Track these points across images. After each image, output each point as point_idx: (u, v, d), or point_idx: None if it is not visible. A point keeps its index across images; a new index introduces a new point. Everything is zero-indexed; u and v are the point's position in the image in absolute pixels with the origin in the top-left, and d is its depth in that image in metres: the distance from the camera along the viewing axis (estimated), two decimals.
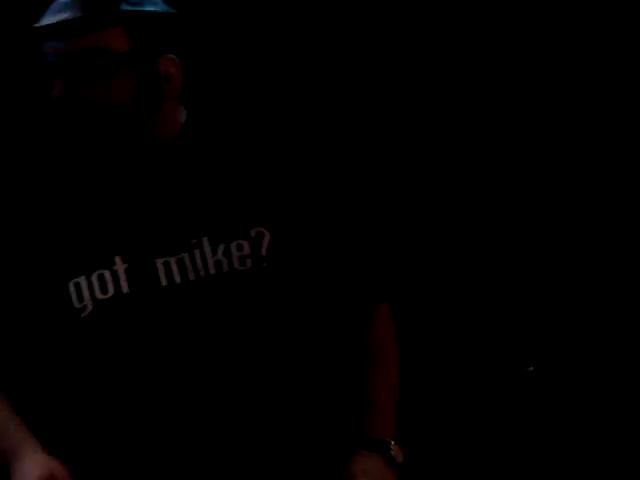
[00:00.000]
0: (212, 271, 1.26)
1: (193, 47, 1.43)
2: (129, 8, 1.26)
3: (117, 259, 1.27)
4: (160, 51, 1.29)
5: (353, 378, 1.38)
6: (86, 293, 1.26)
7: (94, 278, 1.27)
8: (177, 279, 1.27)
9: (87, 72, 1.25)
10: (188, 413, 1.25)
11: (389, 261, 1.56)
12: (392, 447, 1.33)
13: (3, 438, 1.27)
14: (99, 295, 1.26)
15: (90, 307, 1.27)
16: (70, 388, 1.31)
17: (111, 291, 1.27)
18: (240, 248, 1.27)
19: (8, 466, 1.23)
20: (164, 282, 1.27)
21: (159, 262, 1.27)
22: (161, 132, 1.31)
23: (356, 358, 1.38)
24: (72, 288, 1.27)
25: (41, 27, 1.26)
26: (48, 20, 1.25)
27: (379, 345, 1.40)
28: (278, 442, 1.28)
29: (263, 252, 1.28)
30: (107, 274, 1.27)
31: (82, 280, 1.27)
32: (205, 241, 1.27)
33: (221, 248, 1.27)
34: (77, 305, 1.27)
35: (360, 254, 1.39)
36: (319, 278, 1.34)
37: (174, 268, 1.27)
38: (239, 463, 1.26)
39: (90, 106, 1.25)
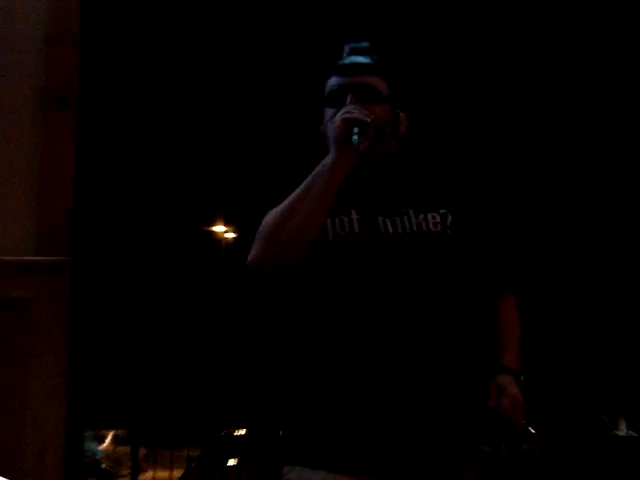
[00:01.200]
0: (415, 229, 1.90)
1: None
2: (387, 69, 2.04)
3: (353, 212, 1.92)
4: (399, 104, 2.01)
5: (495, 332, 1.96)
6: (330, 229, 1.88)
7: (337, 220, 1.90)
8: (390, 230, 1.90)
9: (368, 96, 1.93)
10: (383, 325, 1.81)
11: (520, 265, 2.36)
12: (520, 377, 1.91)
13: None
14: (339, 231, 1.89)
15: (331, 238, 1.88)
16: (310, 296, 1.90)
17: (347, 230, 1.90)
18: (434, 217, 1.92)
19: None
20: (382, 230, 1.90)
21: (380, 219, 1.91)
22: (388, 148, 1.98)
23: (495, 320, 1.97)
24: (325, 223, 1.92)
25: (349, 63, 1.99)
26: (354, 59, 1.99)
27: (509, 314, 1.99)
28: (440, 369, 1.83)
29: (448, 224, 1.93)
30: (345, 219, 1.90)
31: (328, 221, 1.88)
32: (411, 211, 1.92)
33: (421, 216, 1.92)
34: (321, 236, 1.87)
35: (503, 254, 2.02)
36: (476, 255, 1.97)
37: (389, 224, 1.90)
38: (414, 376, 1.80)
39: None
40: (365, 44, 2.03)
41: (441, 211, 1.96)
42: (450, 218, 1.95)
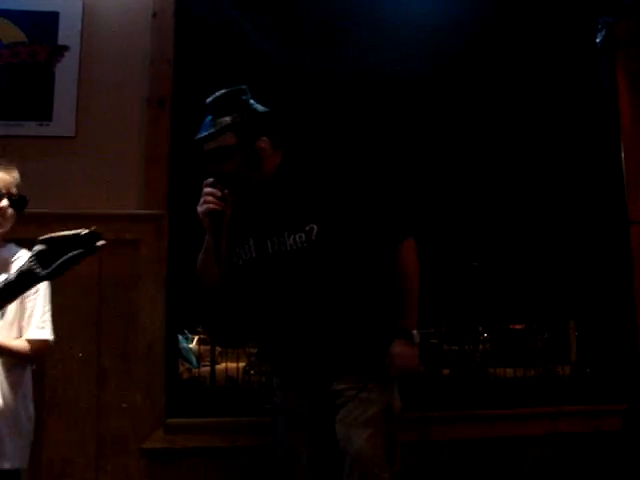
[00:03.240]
0: (288, 248, 2.29)
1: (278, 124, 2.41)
2: (234, 121, 2.28)
3: (250, 239, 2.36)
4: (255, 137, 2.30)
5: (390, 290, 2.33)
6: (240, 256, 2.38)
7: (243, 248, 2.37)
8: (275, 249, 2.31)
9: (218, 158, 2.30)
10: (288, 317, 2.32)
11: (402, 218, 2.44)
12: (413, 333, 2.32)
13: None
14: (244, 256, 2.38)
15: (240, 262, 2.39)
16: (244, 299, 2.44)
17: (249, 255, 2.37)
18: (300, 237, 2.28)
19: None
20: (270, 250, 2.33)
21: (268, 241, 2.32)
22: (263, 174, 2.34)
23: (392, 277, 2.32)
24: (235, 252, 2.39)
25: (197, 139, 2.34)
26: (199, 135, 2.33)
27: (405, 268, 2.34)
28: (341, 333, 2.30)
29: (312, 237, 2.27)
30: (246, 247, 2.36)
31: (239, 248, 2.37)
32: (286, 233, 2.29)
33: (292, 237, 2.28)
34: (236, 260, 2.39)
35: (384, 218, 2.36)
36: (350, 242, 2.30)
37: (275, 244, 2.31)
38: (317, 349, 2.31)
39: (223, 173, 2.30)
40: (212, 100, 2.35)
41: (306, 228, 2.26)
42: (315, 230, 2.26)
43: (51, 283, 2.36)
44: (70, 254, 1.71)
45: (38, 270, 1.71)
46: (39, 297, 2.25)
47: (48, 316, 2.27)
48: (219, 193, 2.26)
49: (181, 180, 3.11)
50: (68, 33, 3.15)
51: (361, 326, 2.34)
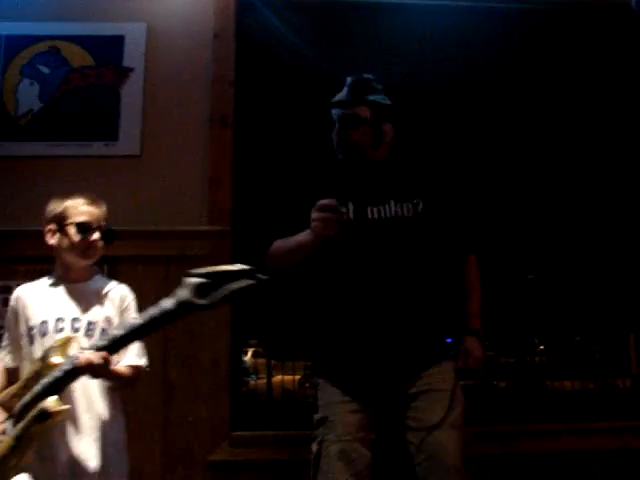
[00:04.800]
0: (393, 214, 2.34)
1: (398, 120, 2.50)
2: (371, 98, 2.42)
3: (350, 203, 2.37)
4: (384, 119, 2.43)
5: (462, 290, 2.44)
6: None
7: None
8: (376, 216, 2.34)
9: (350, 125, 2.40)
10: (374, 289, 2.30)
11: (478, 233, 2.55)
12: (480, 332, 2.40)
13: None
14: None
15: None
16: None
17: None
18: (408, 206, 2.36)
19: None
20: (370, 216, 2.35)
21: (369, 208, 2.36)
22: (378, 156, 2.45)
23: (461, 283, 2.44)
24: None
25: (337, 100, 2.45)
26: (339, 98, 2.44)
27: (475, 275, 2.46)
28: (417, 325, 2.29)
29: (419, 210, 2.37)
30: (344, 209, 2.26)
31: None
32: (392, 202, 2.36)
33: (399, 205, 2.35)
34: None
35: (465, 227, 2.48)
36: (442, 233, 2.41)
37: (375, 211, 2.35)
38: (408, 329, 2.29)
39: (347, 140, 2.41)
40: (357, 77, 2.46)
41: (414, 201, 2.37)
42: (421, 205, 2.36)
43: None
44: (235, 286, 1.80)
45: (197, 300, 1.81)
46: None
47: (143, 344, 2.29)
48: (337, 217, 2.20)
49: (244, 197, 3.15)
50: (133, 55, 3.22)
51: (440, 315, 2.38)
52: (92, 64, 3.21)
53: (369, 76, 2.49)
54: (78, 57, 3.22)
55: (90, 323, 2.16)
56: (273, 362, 4.04)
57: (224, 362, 3.02)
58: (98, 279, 2.28)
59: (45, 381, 2.00)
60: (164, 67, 3.22)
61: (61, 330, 2.12)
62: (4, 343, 2.22)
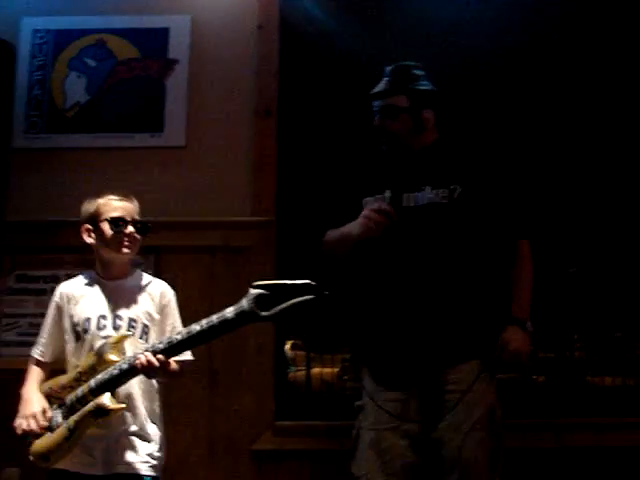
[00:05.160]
0: (427, 201, 2.29)
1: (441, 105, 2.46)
2: (410, 86, 2.39)
3: (387, 191, 2.35)
4: (423, 106, 2.40)
5: (508, 280, 2.31)
6: (369, 205, 2.31)
7: (374, 198, 2.34)
8: (411, 203, 2.31)
9: (388, 115, 2.39)
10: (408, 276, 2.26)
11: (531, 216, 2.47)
12: (527, 323, 2.28)
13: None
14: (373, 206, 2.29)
15: None
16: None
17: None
18: (444, 192, 2.29)
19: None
20: (404, 203, 2.31)
21: (404, 195, 2.32)
22: (421, 143, 2.41)
23: (509, 269, 2.32)
24: (363, 202, 2.36)
25: (373, 93, 2.44)
26: (376, 90, 2.43)
27: (526, 262, 2.33)
28: (449, 317, 2.23)
29: (454, 196, 2.28)
30: (379, 197, 2.34)
31: (369, 199, 2.36)
32: (428, 188, 2.30)
33: (434, 192, 2.29)
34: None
35: (510, 209, 2.36)
36: (484, 217, 2.30)
37: (411, 198, 2.31)
38: (433, 322, 2.23)
39: (386, 130, 2.40)
40: (395, 66, 2.45)
41: (451, 186, 2.29)
42: (458, 191, 2.28)
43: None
44: (297, 300, 1.82)
45: (259, 311, 1.85)
46: (177, 321, 2.28)
47: None
48: (388, 222, 2.23)
49: (289, 187, 3.14)
50: (178, 47, 3.23)
51: (480, 307, 2.30)
52: (138, 56, 3.23)
53: (410, 63, 2.46)
54: (124, 50, 3.24)
55: (132, 320, 2.19)
56: (312, 354, 4.04)
57: (268, 351, 3.03)
58: (137, 276, 2.30)
59: (100, 377, 2.03)
60: (209, 58, 3.23)
61: (104, 327, 2.16)
62: (42, 338, 2.25)
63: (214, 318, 1.93)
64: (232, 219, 3.07)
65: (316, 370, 3.94)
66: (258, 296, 1.86)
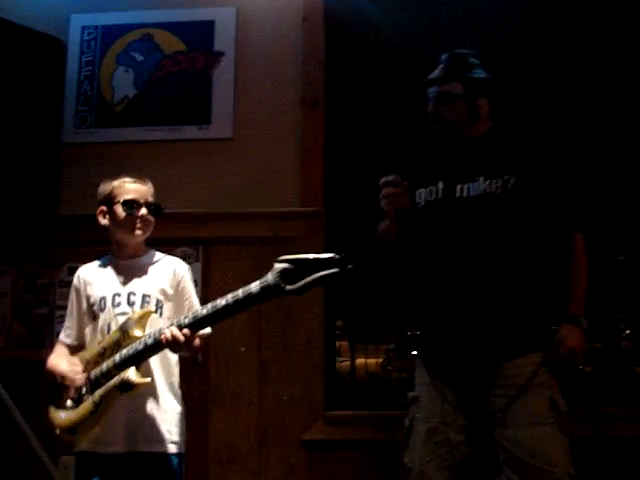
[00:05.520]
0: (481, 192, 2.24)
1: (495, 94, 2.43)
2: (465, 74, 2.36)
3: (440, 182, 2.33)
4: (478, 95, 2.37)
5: (562, 273, 2.24)
6: (423, 197, 2.35)
7: (428, 190, 2.34)
8: (464, 194, 2.27)
9: (442, 101, 2.36)
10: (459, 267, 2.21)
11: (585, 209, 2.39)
12: (582, 320, 2.20)
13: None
14: (428, 197, 2.34)
15: (422, 203, 2.34)
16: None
17: (434, 196, 2.32)
18: (497, 182, 2.24)
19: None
20: (458, 195, 2.29)
21: (458, 186, 2.29)
22: (474, 132, 2.37)
23: (563, 263, 2.24)
24: (417, 194, 2.36)
25: (429, 79, 2.40)
26: (432, 76, 2.40)
27: (580, 256, 2.26)
28: (504, 309, 2.17)
29: (508, 187, 2.23)
30: (434, 188, 2.33)
31: (422, 190, 2.35)
32: (481, 179, 2.25)
33: (487, 182, 2.24)
34: (417, 201, 2.35)
35: (565, 202, 2.29)
36: (538, 208, 2.24)
37: (464, 189, 2.28)
38: (495, 313, 2.17)
39: (440, 117, 2.36)
40: (451, 54, 2.41)
41: (505, 177, 2.23)
42: (512, 181, 2.22)
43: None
44: (321, 274, 1.80)
45: (284, 285, 1.83)
46: (193, 296, 2.29)
47: None
48: (401, 191, 2.22)
49: (336, 177, 3.14)
50: (223, 40, 3.24)
51: (536, 300, 2.24)
52: (184, 49, 3.25)
53: (466, 51, 2.42)
54: (170, 43, 3.26)
55: (145, 295, 2.20)
56: (356, 345, 4.03)
57: (318, 340, 3.03)
58: (151, 254, 2.31)
59: (125, 352, 2.05)
60: (254, 50, 3.24)
61: (118, 304, 2.18)
62: (67, 322, 2.29)
63: (239, 292, 1.91)
64: (281, 210, 3.07)
65: (360, 361, 3.93)
66: (283, 270, 1.84)
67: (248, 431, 3.00)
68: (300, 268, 1.83)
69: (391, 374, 4.02)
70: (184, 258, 3.09)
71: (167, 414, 2.17)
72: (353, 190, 3.08)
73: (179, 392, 2.25)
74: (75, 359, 2.18)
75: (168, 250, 2.94)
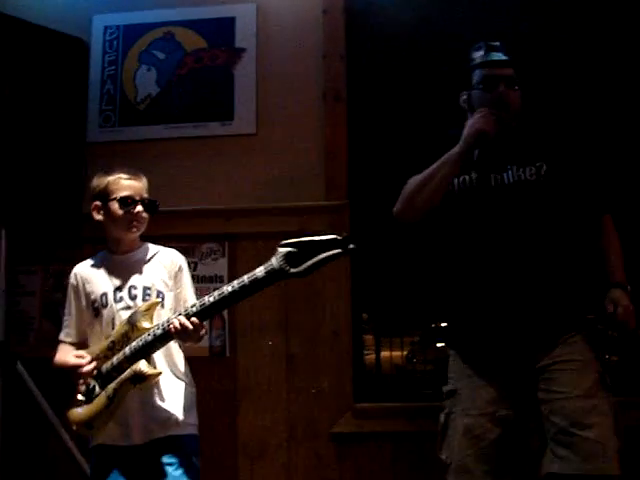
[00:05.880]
0: (516, 179, 2.25)
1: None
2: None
3: (473, 172, 2.30)
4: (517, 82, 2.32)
5: (600, 252, 2.26)
6: (457, 185, 2.30)
7: (461, 178, 2.30)
8: (499, 182, 2.26)
9: (510, 84, 2.29)
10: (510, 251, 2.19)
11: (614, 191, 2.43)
12: (627, 287, 2.20)
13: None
14: (462, 186, 2.30)
15: (456, 191, 2.30)
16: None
17: (467, 185, 2.30)
18: (530, 170, 2.26)
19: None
20: (492, 183, 2.27)
21: (492, 175, 2.28)
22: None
23: (598, 241, 2.27)
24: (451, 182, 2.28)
25: (495, 59, 2.32)
26: (495, 57, 2.32)
27: (613, 235, 2.28)
28: (551, 293, 2.17)
29: (542, 173, 2.25)
30: (467, 177, 2.30)
31: (456, 179, 2.28)
32: (514, 167, 2.27)
33: (521, 170, 2.26)
34: (450, 188, 2.28)
35: (598, 185, 2.31)
36: (571, 193, 2.26)
37: (497, 178, 2.27)
38: (537, 297, 2.17)
39: (502, 100, 2.27)
40: (497, 43, 2.35)
41: (537, 164, 2.25)
42: (545, 168, 2.25)
43: None
44: (324, 255, 1.84)
45: (288, 268, 1.87)
46: (189, 285, 2.30)
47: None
48: (497, 115, 2.22)
49: (360, 171, 3.12)
50: (244, 36, 3.24)
51: (577, 283, 2.24)
52: (205, 47, 3.25)
53: (496, 43, 2.38)
54: (192, 41, 3.26)
55: (146, 288, 2.20)
56: (381, 338, 4.02)
57: (345, 333, 3.03)
58: (147, 247, 2.31)
59: (135, 344, 2.06)
60: (275, 46, 3.23)
61: (120, 299, 2.18)
62: (66, 322, 2.28)
63: (245, 278, 1.94)
64: (305, 204, 3.07)
65: (385, 353, 3.92)
66: (287, 254, 1.88)
67: (277, 425, 3.00)
68: (304, 250, 1.87)
69: (416, 366, 4.01)
70: (210, 254, 3.13)
71: (178, 398, 2.18)
72: (377, 183, 3.06)
73: (188, 374, 2.26)
74: (81, 351, 2.18)
75: (193, 246, 3.01)
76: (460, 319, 2.33)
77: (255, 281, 1.92)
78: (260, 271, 1.92)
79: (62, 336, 2.28)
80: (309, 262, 1.86)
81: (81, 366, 2.11)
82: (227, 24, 3.25)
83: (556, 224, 2.25)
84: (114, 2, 3.33)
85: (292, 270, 1.87)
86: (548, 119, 2.40)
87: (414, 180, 2.31)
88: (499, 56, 2.34)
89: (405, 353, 4.13)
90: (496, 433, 2.15)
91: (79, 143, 3.18)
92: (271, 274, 1.90)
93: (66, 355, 2.20)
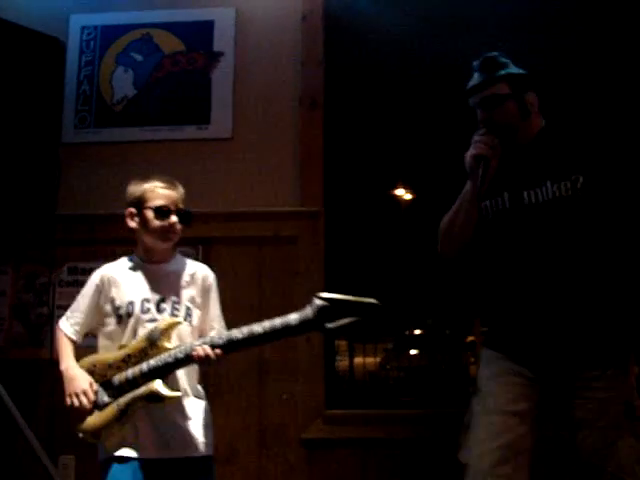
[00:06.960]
0: (551, 196, 2.14)
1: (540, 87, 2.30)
2: (506, 72, 2.25)
3: (505, 193, 2.22)
4: (525, 90, 2.26)
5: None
6: (490, 209, 2.24)
7: (493, 201, 2.23)
8: (533, 200, 2.17)
9: (492, 105, 2.23)
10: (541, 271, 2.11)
11: None
12: None
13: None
14: (495, 209, 2.23)
15: (490, 215, 2.24)
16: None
17: (500, 207, 2.22)
18: (566, 185, 2.13)
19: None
20: (526, 202, 2.18)
21: (525, 192, 2.19)
22: (529, 131, 2.26)
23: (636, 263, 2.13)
24: (482, 207, 2.24)
25: (472, 86, 2.26)
26: (473, 83, 2.26)
27: None
28: (589, 315, 2.08)
29: (578, 187, 2.12)
30: (499, 199, 2.23)
31: (488, 202, 2.24)
32: (548, 182, 2.15)
33: (555, 185, 2.14)
34: (484, 214, 2.24)
35: (634, 198, 2.15)
36: (610, 207, 2.13)
37: (532, 195, 2.17)
38: (570, 313, 2.09)
39: (494, 122, 2.21)
40: (477, 61, 2.29)
41: (572, 177, 2.12)
42: (581, 181, 2.12)
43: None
44: (353, 319, 1.85)
45: (324, 323, 1.88)
46: (217, 305, 2.27)
47: (224, 324, 2.30)
48: (491, 141, 2.16)
49: (336, 177, 3.12)
50: (223, 40, 3.22)
51: (616, 307, 2.13)
52: (183, 50, 3.23)
53: (493, 53, 2.33)
54: (170, 43, 3.24)
55: (175, 303, 2.16)
56: (354, 344, 4.01)
57: (318, 340, 2.99)
58: (179, 260, 2.27)
59: (154, 363, 2.02)
60: (254, 50, 3.21)
61: (147, 310, 2.13)
62: (77, 317, 2.20)
63: (277, 322, 1.93)
64: (280, 209, 3.05)
65: (359, 359, 3.90)
66: (322, 307, 1.88)
67: (247, 430, 2.97)
68: (338, 308, 1.86)
69: (389, 373, 4.00)
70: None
71: (197, 416, 2.14)
72: (352, 190, 3.05)
73: (202, 391, 2.23)
74: (89, 378, 2.09)
75: None
76: (497, 333, 2.26)
77: (287, 327, 1.93)
78: (294, 319, 1.92)
79: (69, 331, 2.18)
80: (343, 321, 1.85)
81: (88, 399, 2.05)
82: (206, 27, 3.23)
83: (595, 240, 2.14)
84: (92, 2, 3.30)
85: (328, 325, 1.87)
86: (579, 128, 2.29)
87: (445, 219, 2.29)
88: (475, 79, 2.29)
89: (379, 360, 4.12)
90: (519, 431, 2.08)
91: (54, 143, 3.14)
92: (305, 324, 1.91)
93: (76, 368, 2.11)
